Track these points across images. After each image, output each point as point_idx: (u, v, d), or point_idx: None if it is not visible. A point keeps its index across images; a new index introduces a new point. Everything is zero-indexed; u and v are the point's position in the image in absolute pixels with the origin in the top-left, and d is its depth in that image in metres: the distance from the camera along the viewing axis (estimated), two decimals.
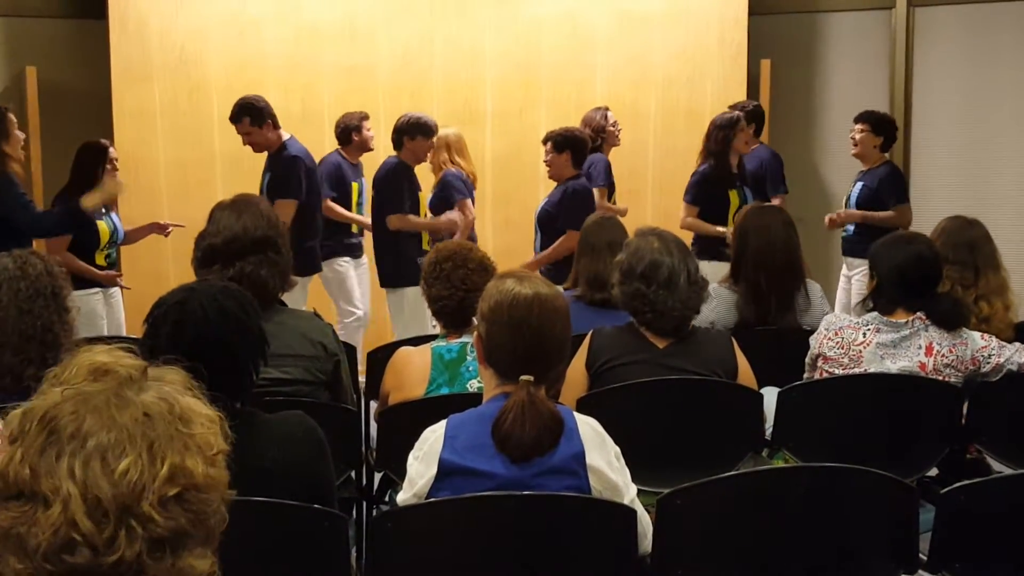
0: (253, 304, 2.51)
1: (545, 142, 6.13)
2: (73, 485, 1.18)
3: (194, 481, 1.23)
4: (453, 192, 6.34)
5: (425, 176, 6.50)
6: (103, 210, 5.78)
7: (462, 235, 6.08)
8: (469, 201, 6.39)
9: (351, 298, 6.66)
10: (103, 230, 5.75)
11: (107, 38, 7.06)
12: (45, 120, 7.02)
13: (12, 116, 5.33)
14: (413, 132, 6.11)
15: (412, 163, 6.20)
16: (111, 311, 5.87)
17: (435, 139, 6.47)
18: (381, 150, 6.64)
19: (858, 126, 6.44)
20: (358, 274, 6.76)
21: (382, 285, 6.29)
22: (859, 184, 6.44)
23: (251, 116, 5.96)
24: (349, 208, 6.67)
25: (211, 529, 1.27)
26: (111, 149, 5.89)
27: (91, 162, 5.74)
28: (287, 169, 5.96)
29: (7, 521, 1.19)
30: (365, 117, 6.76)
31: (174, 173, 7.21)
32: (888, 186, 6.39)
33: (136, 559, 1.19)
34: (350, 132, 6.72)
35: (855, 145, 6.46)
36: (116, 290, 5.94)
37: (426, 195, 6.47)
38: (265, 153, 6.13)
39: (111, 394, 1.25)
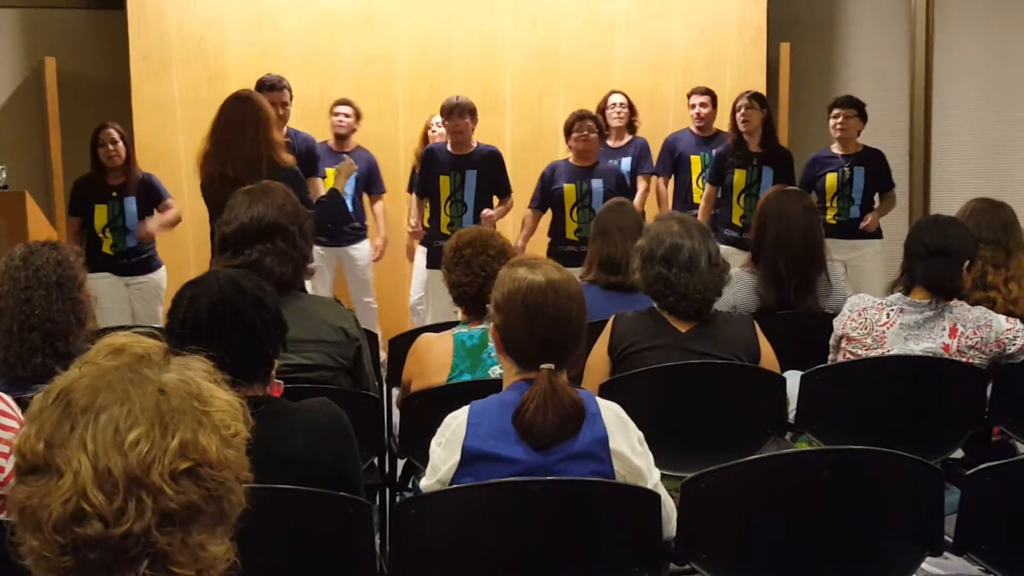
0: (270, 287, 2.51)
1: (590, 119, 6.18)
2: (85, 456, 1.18)
3: (207, 457, 1.23)
4: None
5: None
6: (113, 194, 5.81)
7: None
8: None
9: None
10: (99, 214, 5.76)
11: (126, 28, 7.07)
12: (64, 110, 7.04)
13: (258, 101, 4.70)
14: None
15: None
16: (133, 299, 5.89)
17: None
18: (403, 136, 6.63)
19: (844, 111, 6.36)
20: None
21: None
22: (859, 169, 6.37)
23: None
24: None
25: (226, 510, 1.27)
26: (107, 131, 5.86)
27: (92, 145, 5.85)
28: None
29: (24, 496, 1.21)
30: None
31: (194, 163, 7.19)
32: (887, 170, 6.45)
33: (145, 532, 1.19)
34: None
35: (842, 130, 6.37)
36: (146, 278, 5.96)
37: None
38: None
39: (127, 369, 1.26)
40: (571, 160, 6.26)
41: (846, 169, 6.38)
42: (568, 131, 6.22)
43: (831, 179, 6.38)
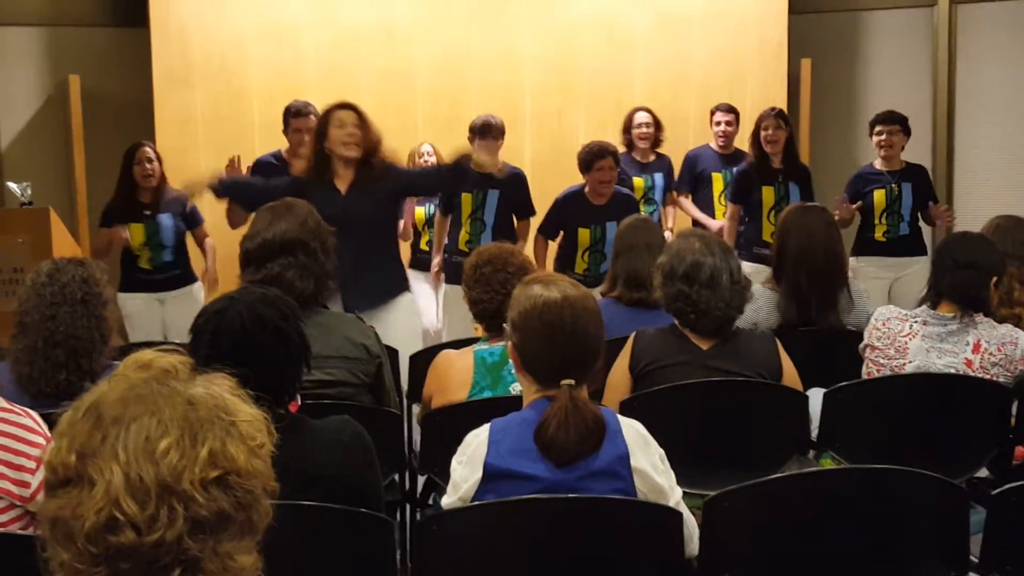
0: (294, 309, 2.50)
1: (611, 155, 6.03)
2: (117, 465, 1.20)
3: (236, 466, 1.25)
4: None
5: None
6: (146, 212, 5.86)
7: None
8: None
9: None
10: (136, 232, 5.82)
11: (148, 46, 7.13)
12: (88, 128, 7.10)
13: (333, 115, 5.09)
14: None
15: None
16: (167, 314, 5.94)
17: None
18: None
19: (887, 127, 6.24)
20: None
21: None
22: (907, 185, 6.26)
23: None
24: None
25: (254, 520, 1.28)
26: (143, 150, 5.91)
27: (124, 164, 5.89)
28: None
29: (55, 509, 1.22)
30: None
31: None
32: (931, 186, 6.37)
33: (177, 540, 1.20)
34: None
35: (889, 147, 6.25)
36: (181, 291, 6.00)
37: None
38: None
39: (155, 382, 1.28)
40: (587, 194, 6.09)
41: (894, 186, 6.27)
42: (588, 166, 6.01)
43: (879, 196, 6.26)
